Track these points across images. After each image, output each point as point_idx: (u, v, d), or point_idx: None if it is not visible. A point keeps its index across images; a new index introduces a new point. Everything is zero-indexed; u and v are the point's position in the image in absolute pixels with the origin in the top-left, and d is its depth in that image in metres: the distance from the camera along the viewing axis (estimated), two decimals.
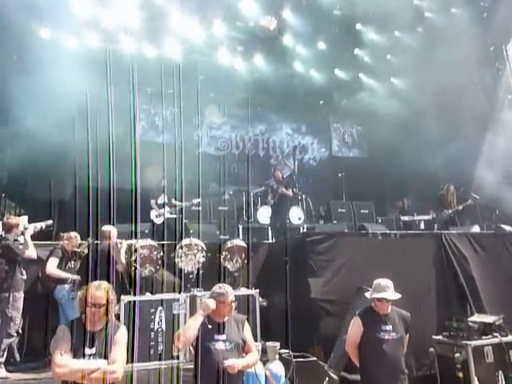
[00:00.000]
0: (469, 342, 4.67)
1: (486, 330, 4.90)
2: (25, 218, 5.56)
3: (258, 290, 5.67)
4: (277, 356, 4.43)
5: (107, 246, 5.52)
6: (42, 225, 5.68)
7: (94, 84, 8.23)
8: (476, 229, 7.47)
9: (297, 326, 5.34)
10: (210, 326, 3.28)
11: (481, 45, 10.02)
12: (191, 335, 3.22)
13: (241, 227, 9.13)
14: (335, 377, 4.62)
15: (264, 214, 9.24)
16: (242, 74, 11.54)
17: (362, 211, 9.77)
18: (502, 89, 10.63)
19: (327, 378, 4.60)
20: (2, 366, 4.72)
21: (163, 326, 5.12)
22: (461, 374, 4.65)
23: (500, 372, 4.64)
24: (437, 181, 10.12)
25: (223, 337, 3.27)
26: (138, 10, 9.17)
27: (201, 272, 5.84)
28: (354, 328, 3.90)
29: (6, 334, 4.78)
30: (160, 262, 5.69)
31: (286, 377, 4.32)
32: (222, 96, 11.88)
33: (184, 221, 8.12)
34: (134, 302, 5.10)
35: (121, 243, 5.66)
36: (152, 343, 5.03)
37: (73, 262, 5.58)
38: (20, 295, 4.94)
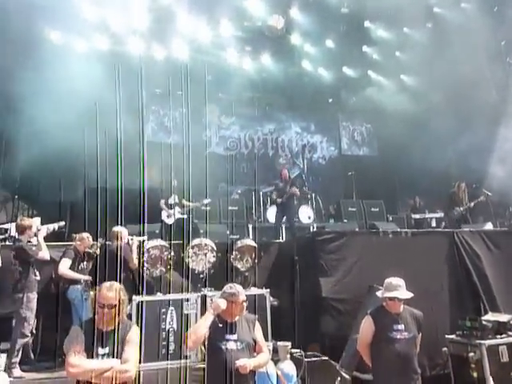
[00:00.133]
0: (483, 342, 4.61)
1: (500, 328, 4.84)
2: (37, 220, 5.65)
3: (268, 290, 5.66)
4: (288, 355, 4.43)
5: (118, 247, 5.56)
6: (54, 226, 5.75)
7: (103, 86, 8.31)
8: (489, 226, 7.37)
9: (308, 326, 5.34)
10: (220, 326, 3.28)
11: (492, 39, 9.88)
12: (202, 335, 3.22)
13: (251, 227, 9.13)
14: (347, 376, 4.59)
15: (274, 214, 9.23)
16: (250, 74, 11.56)
17: (372, 209, 9.73)
18: None
19: (339, 378, 4.58)
20: (17, 365, 4.78)
21: (174, 326, 5.14)
22: (475, 374, 4.59)
23: None
24: (448, 178, 10.02)
25: (234, 337, 3.27)
26: (146, 11, 9.23)
27: (211, 272, 5.86)
28: (366, 327, 3.87)
29: (20, 334, 4.84)
30: (170, 262, 5.72)
31: (297, 376, 4.31)
32: (230, 96, 11.90)
33: (194, 221, 8.15)
34: (146, 302, 5.14)
35: (132, 239, 5.70)
36: (163, 343, 5.06)
37: (85, 263, 5.63)
38: (34, 296, 5.00)
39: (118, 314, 3.04)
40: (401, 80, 12.06)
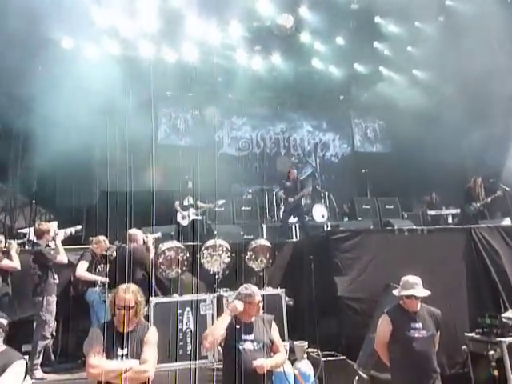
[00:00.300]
0: (503, 339, 4.51)
1: None
2: (55, 224, 5.75)
3: (283, 290, 5.67)
4: (305, 355, 4.42)
5: (134, 249, 5.63)
6: (71, 230, 5.86)
7: (115, 91, 8.43)
8: (507, 221, 7.21)
9: (324, 325, 5.32)
10: (237, 327, 3.30)
11: (506, 30, 9.67)
12: (219, 335, 3.25)
13: (264, 227, 9.14)
14: (365, 376, 4.56)
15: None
16: (260, 74, 11.56)
17: (387, 207, 9.64)
18: None
19: (357, 377, 4.55)
20: (39, 367, 4.88)
21: (191, 327, 5.19)
22: (496, 373, 4.49)
23: None
24: (464, 173, 9.86)
25: (251, 337, 3.29)
26: (156, 15, 9.30)
27: (226, 272, 5.89)
28: (383, 326, 3.84)
29: (41, 336, 4.94)
30: (186, 263, 5.77)
31: (314, 376, 4.30)
32: (241, 96, 11.93)
33: (208, 222, 8.21)
34: (163, 303, 5.19)
35: (147, 237, 5.77)
36: (181, 343, 5.10)
37: (102, 265, 5.72)
38: (53, 299, 5.09)
39: (136, 316, 3.09)
40: (413, 75, 11.91)
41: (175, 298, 5.37)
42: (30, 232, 7.01)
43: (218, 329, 3.28)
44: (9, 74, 8.74)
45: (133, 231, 5.82)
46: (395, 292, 3.95)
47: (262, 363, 3.17)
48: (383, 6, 10.48)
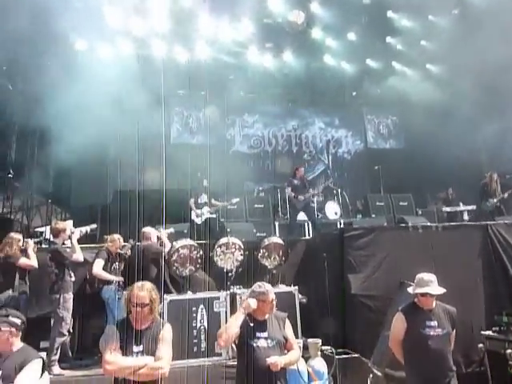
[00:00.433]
0: None
1: None
2: (70, 223, 5.84)
3: (297, 287, 5.66)
4: (319, 352, 4.41)
5: (148, 246, 5.69)
6: (86, 229, 5.95)
7: (129, 91, 8.50)
8: None
9: (337, 323, 5.30)
10: (251, 324, 3.31)
11: None
12: (233, 333, 3.26)
13: (277, 224, 9.13)
14: (379, 373, 4.54)
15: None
16: (271, 71, 11.54)
17: (400, 203, 9.55)
18: None
19: (371, 375, 4.53)
20: (56, 363, 4.97)
21: (205, 324, 5.23)
22: None
23: None
24: (479, 168, 9.70)
25: (265, 334, 3.30)
26: (168, 14, 9.35)
27: (239, 270, 5.91)
28: (398, 324, 3.81)
29: (58, 333, 5.03)
30: (199, 261, 5.81)
31: (328, 373, 4.29)
32: (252, 94, 11.92)
33: (220, 220, 8.23)
34: (177, 300, 5.24)
35: (160, 232, 5.81)
36: (195, 341, 5.15)
37: (117, 264, 5.79)
38: (69, 296, 5.18)
39: (151, 313, 3.12)
40: (426, 69, 11.75)
41: (189, 295, 5.41)
42: (47, 231, 7.15)
43: (232, 327, 3.29)
44: (25, 75, 8.92)
45: (146, 229, 5.89)
46: (410, 290, 3.91)
47: (276, 360, 3.18)
48: (396, 0, 10.35)
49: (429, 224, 6.25)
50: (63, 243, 5.44)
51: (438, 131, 10.05)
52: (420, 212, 9.33)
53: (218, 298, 5.35)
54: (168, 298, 5.23)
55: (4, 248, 5.33)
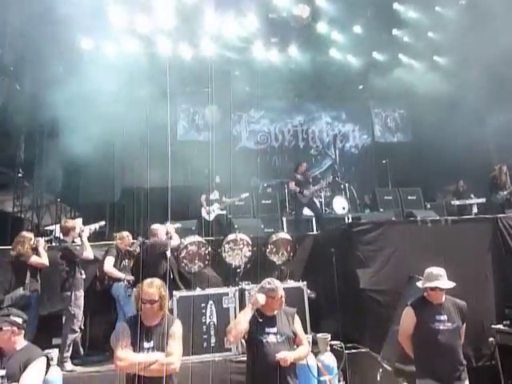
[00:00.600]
0: None
1: None
2: (80, 221, 5.90)
3: (305, 283, 5.67)
4: (328, 347, 4.42)
5: (157, 242, 5.72)
6: (95, 226, 6.00)
7: (135, 88, 8.53)
8: None
9: (347, 317, 5.30)
10: (260, 320, 3.33)
11: None
12: (242, 329, 3.28)
13: (285, 220, 9.13)
14: (389, 368, 4.54)
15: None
16: (277, 66, 11.48)
17: (409, 197, 9.49)
18: None
19: (381, 370, 4.53)
20: (69, 359, 5.04)
21: (214, 320, 5.26)
22: None
23: None
24: (488, 160, 9.59)
25: (274, 330, 3.31)
26: (173, 11, 9.34)
27: (247, 266, 5.93)
28: (407, 319, 3.80)
29: (70, 330, 5.09)
30: (208, 257, 5.83)
31: (338, 368, 4.30)
32: (258, 90, 11.88)
33: (228, 216, 8.26)
34: (186, 297, 5.28)
35: (167, 227, 5.84)
36: (205, 336, 5.19)
37: (126, 261, 5.84)
38: (80, 294, 5.24)
39: (161, 309, 3.15)
40: (434, 61, 11.61)
41: (198, 291, 5.44)
42: (56, 229, 7.21)
43: (241, 322, 3.31)
44: (32, 75, 8.97)
45: (154, 226, 5.92)
46: (419, 284, 3.90)
47: (286, 356, 3.20)
48: None
49: (438, 218, 6.20)
50: (73, 241, 5.49)
51: (445, 124, 9.95)
52: (428, 206, 9.26)
53: (227, 294, 5.38)
54: (177, 294, 5.27)
55: (16, 247, 5.40)
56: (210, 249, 5.85)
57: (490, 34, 8.60)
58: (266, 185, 10.97)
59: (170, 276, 5.56)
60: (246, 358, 3.47)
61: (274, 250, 6.12)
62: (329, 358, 4.34)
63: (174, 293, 5.25)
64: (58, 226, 7.01)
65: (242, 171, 8.65)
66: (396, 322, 4.25)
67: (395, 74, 11.73)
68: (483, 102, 9.82)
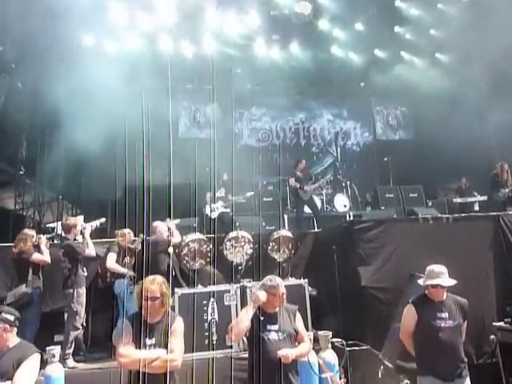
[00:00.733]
0: None
1: None
2: (81, 218, 5.90)
3: (306, 280, 5.67)
4: (329, 345, 4.43)
5: (158, 239, 5.72)
6: (96, 223, 6.02)
7: (137, 86, 8.52)
8: None
9: (348, 315, 5.31)
10: (262, 317, 3.33)
11: None
12: (244, 326, 3.29)
13: (286, 217, 9.13)
14: (390, 365, 4.55)
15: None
16: (279, 63, 11.46)
17: (410, 195, 9.47)
18: None
19: (382, 367, 4.54)
20: (71, 356, 5.06)
21: (216, 317, 5.27)
22: None
23: None
24: (490, 157, 9.57)
25: (276, 327, 3.32)
26: (175, 8, 9.33)
27: (249, 263, 5.94)
28: (408, 316, 3.80)
29: (72, 327, 5.11)
30: (209, 255, 5.84)
31: (339, 365, 4.31)
32: (260, 87, 11.86)
33: (230, 214, 8.26)
34: (188, 294, 5.29)
35: (167, 224, 5.85)
36: (206, 333, 5.20)
37: (128, 258, 5.85)
38: (83, 291, 5.25)
39: (162, 306, 3.16)
40: (435, 58, 11.58)
41: (200, 289, 5.45)
42: (58, 226, 7.23)
43: (242, 320, 3.32)
44: (33, 72, 8.98)
45: (155, 223, 5.92)
46: (420, 281, 3.90)
47: (287, 353, 3.20)
48: None
49: (439, 215, 6.20)
50: (75, 239, 5.51)
51: (447, 121, 9.93)
52: (430, 203, 9.25)
53: (229, 291, 5.39)
54: (179, 291, 5.28)
55: (18, 244, 5.41)
56: (211, 246, 5.86)
57: (492, 31, 8.57)
58: (265, 182, 10.95)
59: (171, 273, 5.57)
60: (247, 355, 3.48)
61: (276, 247, 6.13)
62: (330, 356, 4.35)
63: (176, 290, 5.26)
64: (59, 223, 7.02)
65: (244, 169, 8.66)
66: (397, 320, 4.26)
67: (397, 72, 11.70)
68: (485, 99, 9.80)
